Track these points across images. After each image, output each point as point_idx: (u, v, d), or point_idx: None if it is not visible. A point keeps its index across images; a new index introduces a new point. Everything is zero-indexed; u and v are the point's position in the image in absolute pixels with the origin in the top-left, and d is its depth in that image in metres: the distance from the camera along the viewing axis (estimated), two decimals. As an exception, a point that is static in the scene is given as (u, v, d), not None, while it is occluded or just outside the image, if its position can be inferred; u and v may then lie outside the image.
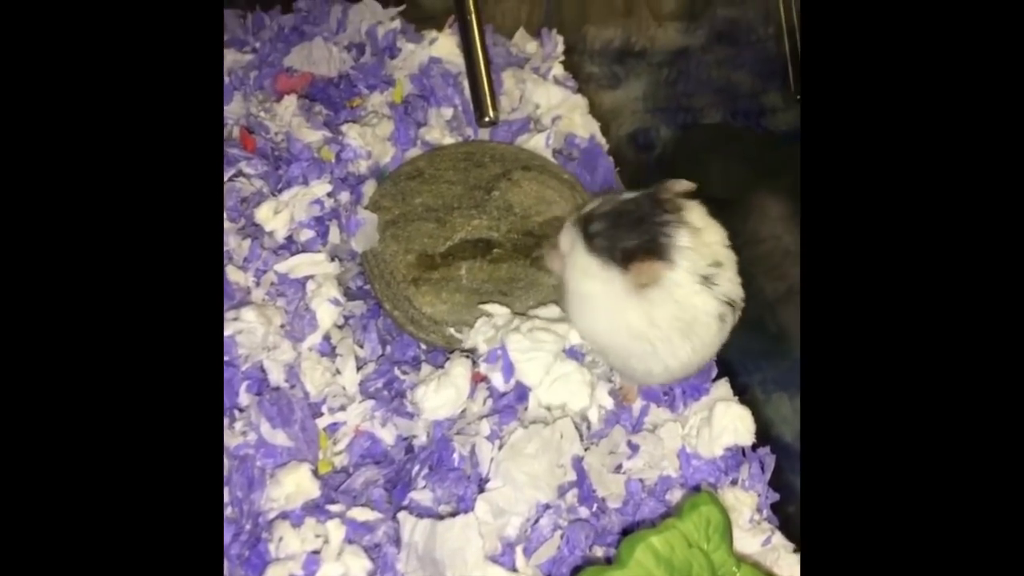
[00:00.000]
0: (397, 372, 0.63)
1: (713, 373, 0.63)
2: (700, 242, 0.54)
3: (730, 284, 0.55)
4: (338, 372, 0.62)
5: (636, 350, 0.56)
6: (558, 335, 0.59)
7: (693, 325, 0.55)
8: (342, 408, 0.60)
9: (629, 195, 0.57)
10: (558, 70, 0.78)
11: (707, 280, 0.54)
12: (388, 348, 0.65)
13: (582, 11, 0.82)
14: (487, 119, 0.67)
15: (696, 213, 0.55)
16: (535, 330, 0.59)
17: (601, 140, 0.75)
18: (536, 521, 0.54)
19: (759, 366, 0.62)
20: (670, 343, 0.55)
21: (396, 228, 0.67)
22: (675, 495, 0.59)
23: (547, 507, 0.55)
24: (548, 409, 0.59)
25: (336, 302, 0.63)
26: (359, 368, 0.62)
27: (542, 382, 0.59)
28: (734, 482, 0.59)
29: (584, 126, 0.74)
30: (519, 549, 0.53)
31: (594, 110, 0.76)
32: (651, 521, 0.57)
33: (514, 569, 0.52)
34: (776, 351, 0.62)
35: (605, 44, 0.79)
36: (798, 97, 0.72)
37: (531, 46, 0.81)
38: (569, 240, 0.58)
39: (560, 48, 0.79)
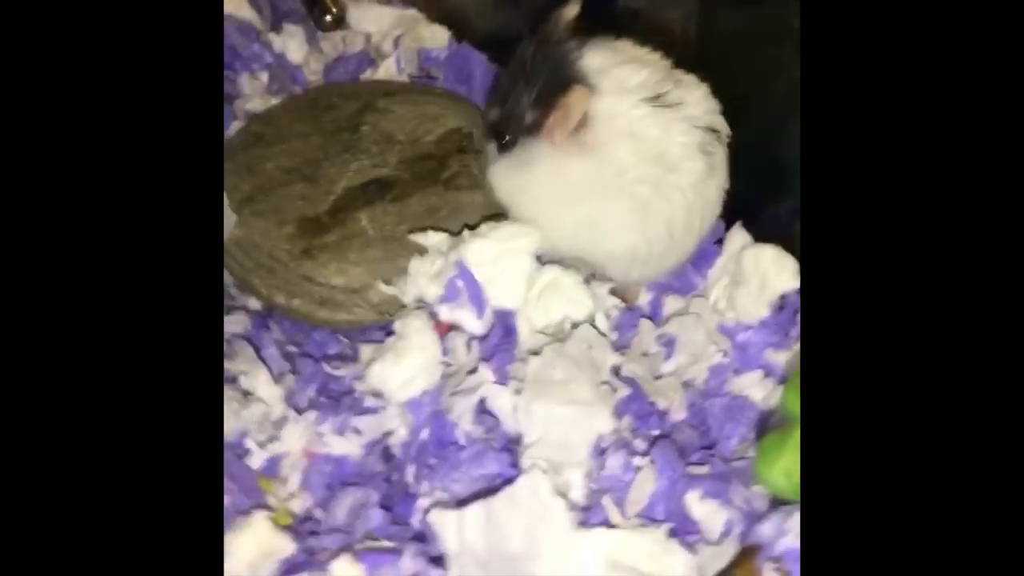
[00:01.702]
0: (328, 369, 0.45)
1: (718, 227, 0.50)
2: (627, 56, 0.42)
3: (702, 106, 0.43)
4: (248, 394, 0.43)
5: (625, 214, 0.43)
6: (529, 229, 0.44)
7: (667, 157, 0.42)
8: (272, 439, 0.42)
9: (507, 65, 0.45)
10: (374, -10, 0.64)
11: (661, 99, 0.41)
12: (297, 362, 0.47)
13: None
14: (328, 18, 0.51)
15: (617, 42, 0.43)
16: (497, 228, 0.44)
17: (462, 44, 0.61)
18: (603, 461, 0.38)
19: (766, 199, 0.50)
20: (657, 186, 0.42)
21: (255, 204, 0.50)
22: (737, 384, 0.45)
23: (604, 442, 0.39)
24: (546, 334, 0.44)
25: (212, 308, 0.45)
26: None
27: (527, 300, 0.44)
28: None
29: (434, 37, 0.61)
30: (607, 500, 0.37)
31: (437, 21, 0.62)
32: (730, 422, 0.43)
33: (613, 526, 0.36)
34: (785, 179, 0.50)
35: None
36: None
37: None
38: (488, 156, 0.46)
39: (366, -34, 0.65)
